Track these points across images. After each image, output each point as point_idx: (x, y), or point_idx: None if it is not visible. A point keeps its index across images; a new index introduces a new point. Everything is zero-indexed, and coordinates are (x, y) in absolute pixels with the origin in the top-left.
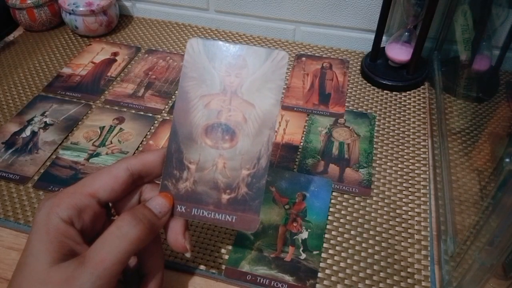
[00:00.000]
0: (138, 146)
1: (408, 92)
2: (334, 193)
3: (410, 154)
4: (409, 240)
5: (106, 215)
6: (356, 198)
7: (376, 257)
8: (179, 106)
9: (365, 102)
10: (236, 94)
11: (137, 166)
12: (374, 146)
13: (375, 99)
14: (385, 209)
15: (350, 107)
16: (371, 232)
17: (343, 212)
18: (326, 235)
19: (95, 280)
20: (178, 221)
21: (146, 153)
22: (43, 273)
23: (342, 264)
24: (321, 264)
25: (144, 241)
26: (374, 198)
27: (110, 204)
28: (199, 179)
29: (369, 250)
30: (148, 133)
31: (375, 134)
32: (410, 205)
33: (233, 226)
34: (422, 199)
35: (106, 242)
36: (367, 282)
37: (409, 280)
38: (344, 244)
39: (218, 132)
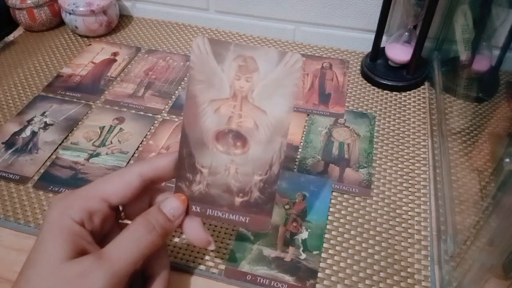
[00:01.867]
0: (138, 146)
1: (408, 92)
2: (334, 193)
3: (410, 154)
4: (409, 240)
5: (115, 217)
6: (356, 198)
7: (376, 257)
8: (188, 110)
9: (365, 102)
10: (247, 100)
11: (149, 173)
12: (374, 146)
13: (375, 99)
14: (385, 209)
15: (350, 107)
16: (371, 232)
17: (343, 212)
18: (326, 235)
19: (110, 277)
20: (195, 218)
21: (158, 157)
22: (57, 268)
23: (342, 264)
24: (321, 264)
25: (157, 245)
26: (374, 198)
27: (121, 208)
28: (212, 182)
29: (369, 250)
30: (148, 133)
31: (375, 134)
32: (410, 205)
33: (247, 227)
34: (422, 199)
35: (122, 244)
36: (367, 282)
37: (409, 280)
38: (344, 244)
39: (229, 138)
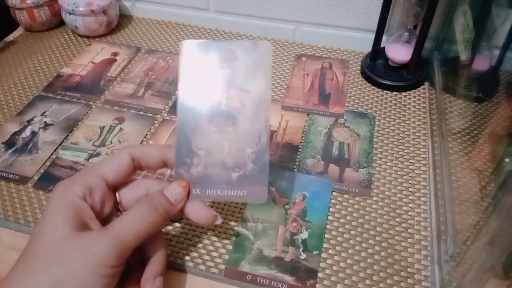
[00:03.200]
0: None
1: (408, 92)
2: (334, 193)
3: (410, 154)
4: (409, 240)
5: (114, 202)
6: (356, 198)
7: (376, 257)
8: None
9: (365, 102)
10: (232, 84)
11: (137, 153)
12: (374, 146)
13: (375, 99)
14: (385, 209)
15: (350, 107)
16: (371, 232)
17: (343, 212)
18: (326, 235)
19: (113, 246)
20: (196, 201)
21: (149, 146)
22: (62, 238)
23: (342, 264)
24: (321, 264)
25: (159, 225)
26: (374, 198)
27: (118, 197)
28: (209, 162)
29: (369, 250)
30: (148, 133)
31: (375, 134)
32: (410, 205)
33: (245, 200)
34: (422, 199)
35: (126, 219)
36: (367, 282)
37: (409, 280)
38: (344, 244)
39: (220, 119)
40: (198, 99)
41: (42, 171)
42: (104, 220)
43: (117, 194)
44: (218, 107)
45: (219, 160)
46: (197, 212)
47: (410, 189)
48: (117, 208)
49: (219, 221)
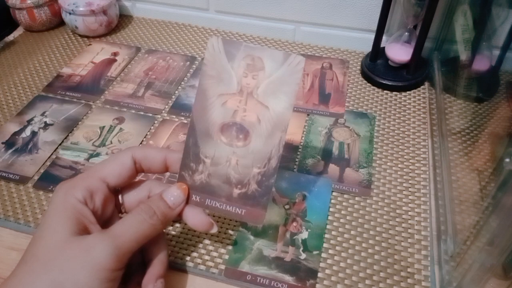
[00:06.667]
0: None
1: (408, 92)
2: (334, 193)
3: (410, 154)
4: (409, 240)
5: (115, 204)
6: (356, 198)
7: (376, 257)
8: (197, 103)
9: (365, 102)
10: (252, 96)
11: (140, 156)
12: (374, 146)
13: (375, 99)
14: (385, 209)
15: (350, 107)
16: (371, 232)
17: (343, 212)
18: (326, 235)
19: (113, 250)
20: (195, 207)
21: (152, 148)
22: (62, 242)
23: (342, 264)
24: (321, 264)
25: (158, 229)
26: (374, 198)
27: (121, 199)
28: (214, 173)
29: (369, 250)
30: (148, 133)
31: (375, 134)
32: (410, 205)
33: (242, 218)
34: (422, 199)
35: (126, 223)
36: (367, 282)
37: (409, 280)
38: (344, 244)
39: (233, 131)
40: (215, 104)
41: (42, 171)
42: (106, 222)
43: (119, 196)
44: (233, 118)
45: (224, 173)
46: (194, 217)
47: (410, 189)
48: (119, 210)
49: (214, 229)
